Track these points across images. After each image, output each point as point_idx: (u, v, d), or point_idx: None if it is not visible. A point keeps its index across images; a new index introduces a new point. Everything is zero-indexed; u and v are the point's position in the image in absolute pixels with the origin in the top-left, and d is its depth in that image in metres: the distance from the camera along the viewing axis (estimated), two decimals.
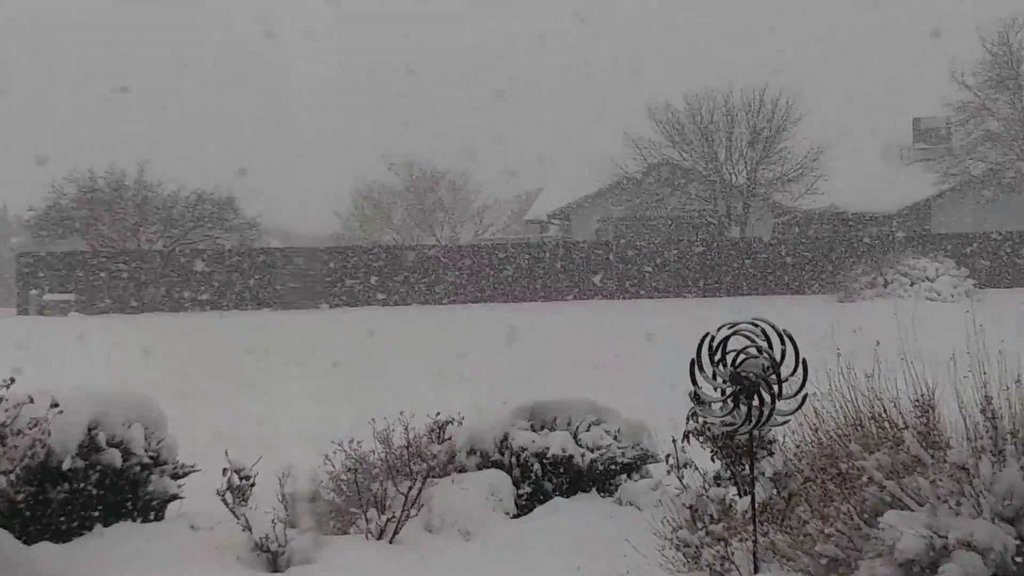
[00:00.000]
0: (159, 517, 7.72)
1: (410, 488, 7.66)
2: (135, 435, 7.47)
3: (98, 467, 7.13)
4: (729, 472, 6.27)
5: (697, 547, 5.49)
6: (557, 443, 8.73)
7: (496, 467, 8.65)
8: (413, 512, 7.69)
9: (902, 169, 40.79)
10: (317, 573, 6.92)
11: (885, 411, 5.16)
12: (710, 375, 5.08)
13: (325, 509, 7.89)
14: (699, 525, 5.62)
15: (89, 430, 7.11)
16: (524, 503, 8.53)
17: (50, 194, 37.65)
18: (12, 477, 6.26)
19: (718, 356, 5.05)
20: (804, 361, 4.98)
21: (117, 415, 7.39)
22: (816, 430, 5.49)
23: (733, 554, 5.22)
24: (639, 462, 9.09)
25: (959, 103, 38.81)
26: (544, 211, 43.64)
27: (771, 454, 5.75)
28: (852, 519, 4.47)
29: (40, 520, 6.82)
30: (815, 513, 4.84)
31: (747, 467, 5.56)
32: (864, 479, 4.58)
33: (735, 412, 5.03)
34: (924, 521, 4.07)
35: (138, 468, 7.49)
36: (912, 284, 30.98)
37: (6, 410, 6.32)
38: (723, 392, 5.07)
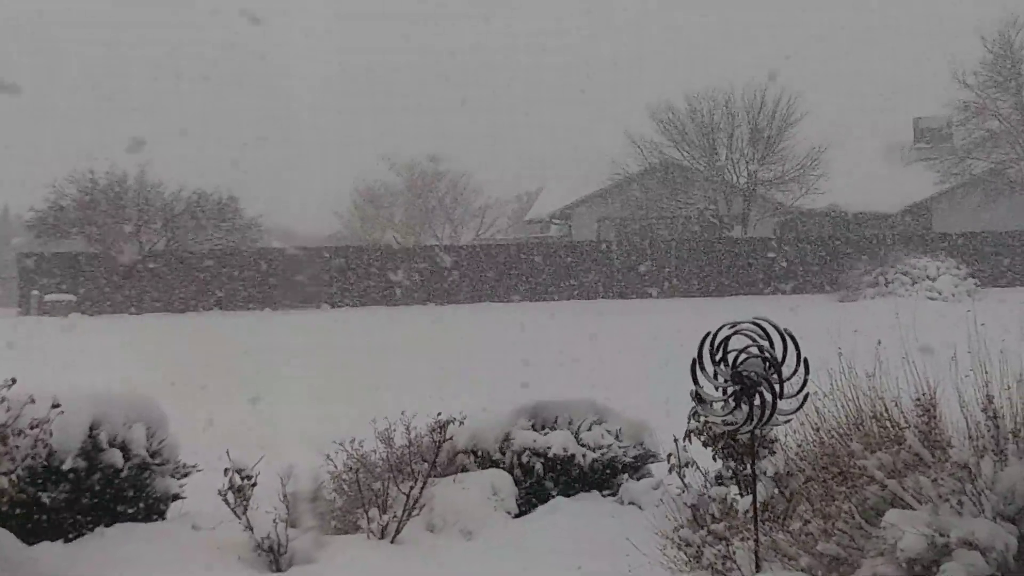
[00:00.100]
0: (161, 517, 7.72)
1: (411, 488, 7.66)
2: (136, 435, 7.47)
3: (99, 467, 7.14)
4: (730, 471, 6.27)
5: (699, 546, 5.49)
6: (558, 443, 8.73)
7: (497, 467, 8.66)
8: (415, 512, 7.69)
9: (902, 169, 40.78)
10: (319, 573, 6.92)
11: (887, 410, 5.15)
12: (711, 374, 5.08)
13: (327, 509, 7.89)
14: (701, 524, 5.62)
15: (90, 430, 7.11)
16: (525, 503, 8.52)
17: (51, 194, 37.70)
18: (13, 477, 6.26)
19: (719, 355, 5.05)
20: (805, 360, 4.98)
21: (118, 415, 7.39)
22: (818, 429, 5.49)
23: (735, 553, 5.22)
24: (640, 462, 9.09)
25: (960, 103, 38.81)
26: (544, 211, 43.66)
27: (772, 453, 5.75)
28: (854, 518, 4.47)
29: (41, 520, 6.83)
30: (817, 512, 4.84)
31: (748, 466, 5.55)
32: (866, 478, 4.58)
33: (736, 411, 5.04)
34: (926, 520, 4.07)
35: (139, 468, 7.49)
36: (913, 283, 30.98)
37: (8, 410, 6.32)
38: (724, 391, 5.08)
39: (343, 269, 34.83)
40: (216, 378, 15.24)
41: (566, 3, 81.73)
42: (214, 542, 7.15)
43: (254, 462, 7.35)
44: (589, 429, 8.95)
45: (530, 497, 8.58)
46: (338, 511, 7.89)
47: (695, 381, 5.09)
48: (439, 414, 8.10)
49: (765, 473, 5.55)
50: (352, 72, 77.52)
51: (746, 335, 5.04)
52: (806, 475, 5.24)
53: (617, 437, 9.01)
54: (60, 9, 75.81)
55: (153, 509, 7.66)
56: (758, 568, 5.01)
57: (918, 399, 4.97)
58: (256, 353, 18.35)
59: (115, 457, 7.24)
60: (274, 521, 7.06)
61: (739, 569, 5.17)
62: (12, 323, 28.74)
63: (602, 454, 8.85)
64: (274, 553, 6.96)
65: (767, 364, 4.97)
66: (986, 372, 4.69)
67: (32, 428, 6.37)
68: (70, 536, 6.97)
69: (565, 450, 8.71)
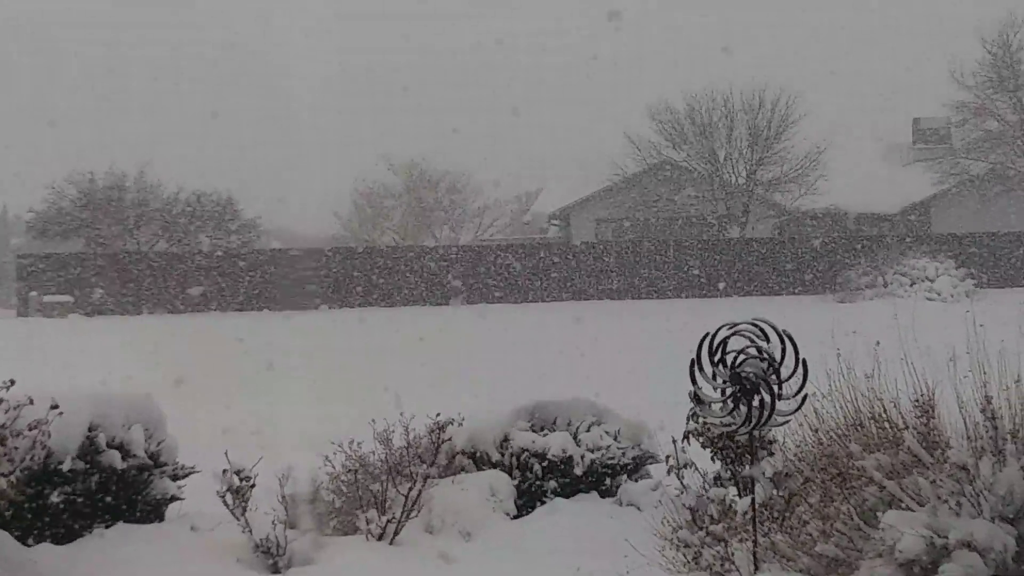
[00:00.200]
0: (159, 518, 7.72)
1: (410, 489, 7.65)
2: (135, 436, 7.46)
3: (98, 468, 7.13)
4: (729, 472, 6.27)
5: (697, 547, 5.49)
6: (557, 444, 8.72)
7: (496, 468, 8.66)
8: (413, 513, 7.69)
9: (902, 169, 40.81)
10: (317, 574, 6.92)
11: (885, 411, 5.15)
12: (710, 375, 5.08)
13: (325, 510, 7.89)
14: (699, 525, 5.62)
15: (89, 431, 7.10)
16: (524, 504, 8.52)
17: (50, 195, 37.69)
18: (12, 479, 6.25)
19: (718, 356, 5.05)
20: (804, 361, 4.98)
21: (117, 416, 7.38)
22: (816, 430, 5.49)
23: (733, 554, 5.22)
24: (639, 463, 9.08)
25: (959, 103, 38.85)
26: (544, 211, 43.64)
27: (771, 454, 5.75)
28: (852, 519, 4.47)
29: (40, 521, 6.82)
30: (815, 513, 4.84)
31: (747, 467, 5.55)
32: (864, 479, 4.58)
33: (735, 412, 5.03)
34: (924, 521, 4.07)
35: (138, 469, 7.48)
36: (912, 284, 30.99)
37: (6, 412, 6.31)
38: (723, 392, 5.07)
39: (342, 270, 34.82)
40: (215, 379, 15.24)
41: (566, 3, 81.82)
42: (213, 543, 7.15)
43: (253, 463, 7.35)
44: (588, 430, 8.95)
45: (529, 498, 8.58)
46: (337, 512, 7.88)
47: (694, 382, 5.09)
48: (438, 415, 8.10)
49: (764, 474, 5.55)
50: (352, 72, 77.61)
51: (745, 336, 5.04)
52: (805, 476, 5.24)
53: (616, 438, 9.00)
54: (60, 9, 75.90)
55: (152, 510, 7.66)
56: (757, 569, 5.01)
57: (917, 400, 4.97)
58: (255, 354, 18.33)
59: (114, 458, 7.24)
60: (273, 522, 7.06)
61: (737, 570, 5.17)
62: (11, 324, 28.74)
63: (601, 455, 8.85)
64: (273, 554, 6.96)
65: (766, 365, 4.97)
66: (984, 373, 4.69)
67: (31, 429, 6.36)
68: (69, 537, 6.97)
69: (564, 451, 8.71)
